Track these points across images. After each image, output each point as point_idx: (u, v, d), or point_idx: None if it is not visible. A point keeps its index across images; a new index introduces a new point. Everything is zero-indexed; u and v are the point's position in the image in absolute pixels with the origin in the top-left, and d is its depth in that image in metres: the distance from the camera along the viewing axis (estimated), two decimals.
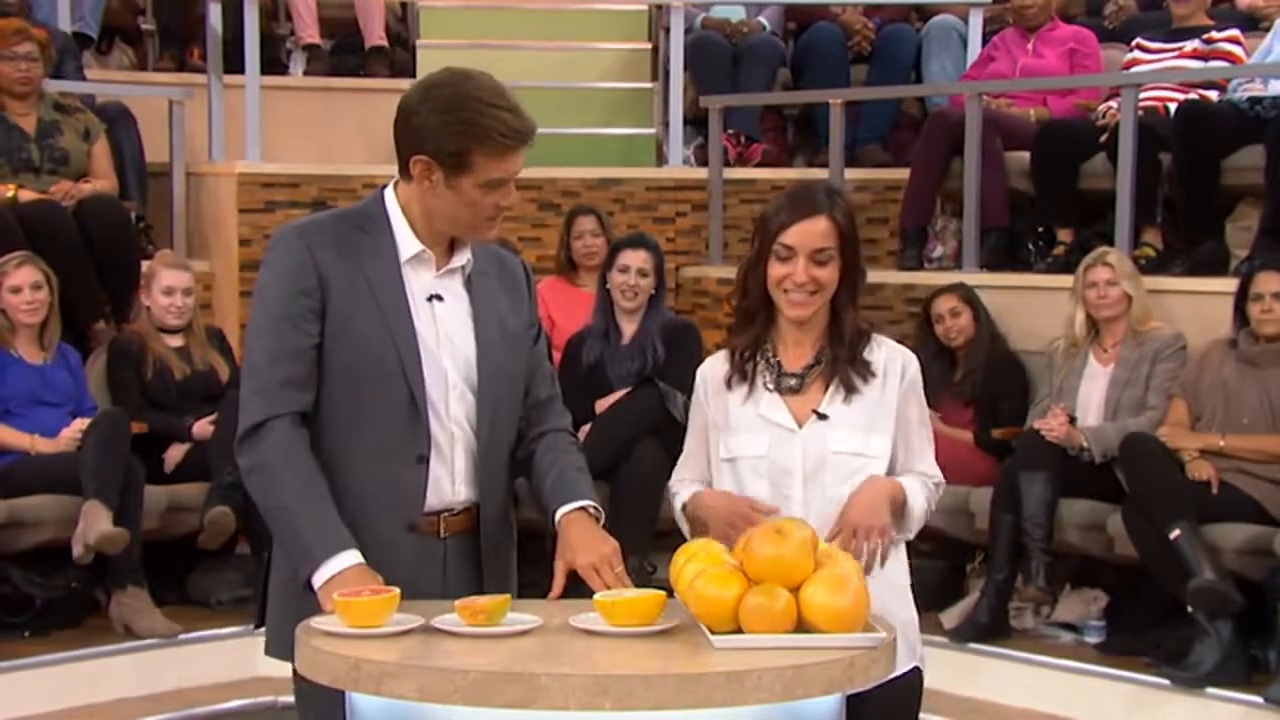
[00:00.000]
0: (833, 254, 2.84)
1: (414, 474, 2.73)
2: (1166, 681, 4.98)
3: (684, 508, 2.96)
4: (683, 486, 2.98)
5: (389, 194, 2.79)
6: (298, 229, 2.78)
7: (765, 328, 2.92)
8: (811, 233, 2.82)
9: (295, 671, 2.64)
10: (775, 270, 2.85)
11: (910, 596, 2.96)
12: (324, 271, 2.70)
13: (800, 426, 2.86)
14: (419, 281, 2.76)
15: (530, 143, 2.70)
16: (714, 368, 2.97)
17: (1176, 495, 5.01)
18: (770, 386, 2.89)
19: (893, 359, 2.92)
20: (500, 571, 2.84)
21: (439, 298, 2.77)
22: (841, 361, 2.87)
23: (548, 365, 2.99)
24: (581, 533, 2.76)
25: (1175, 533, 4.89)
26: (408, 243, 2.75)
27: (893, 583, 2.88)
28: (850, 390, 2.86)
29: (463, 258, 2.80)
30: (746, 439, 2.86)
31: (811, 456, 2.82)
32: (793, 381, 2.89)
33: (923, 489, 2.88)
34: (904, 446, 2.90)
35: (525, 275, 2.94)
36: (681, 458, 3.03)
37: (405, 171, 2.74)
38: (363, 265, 2.72)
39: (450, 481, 2.76)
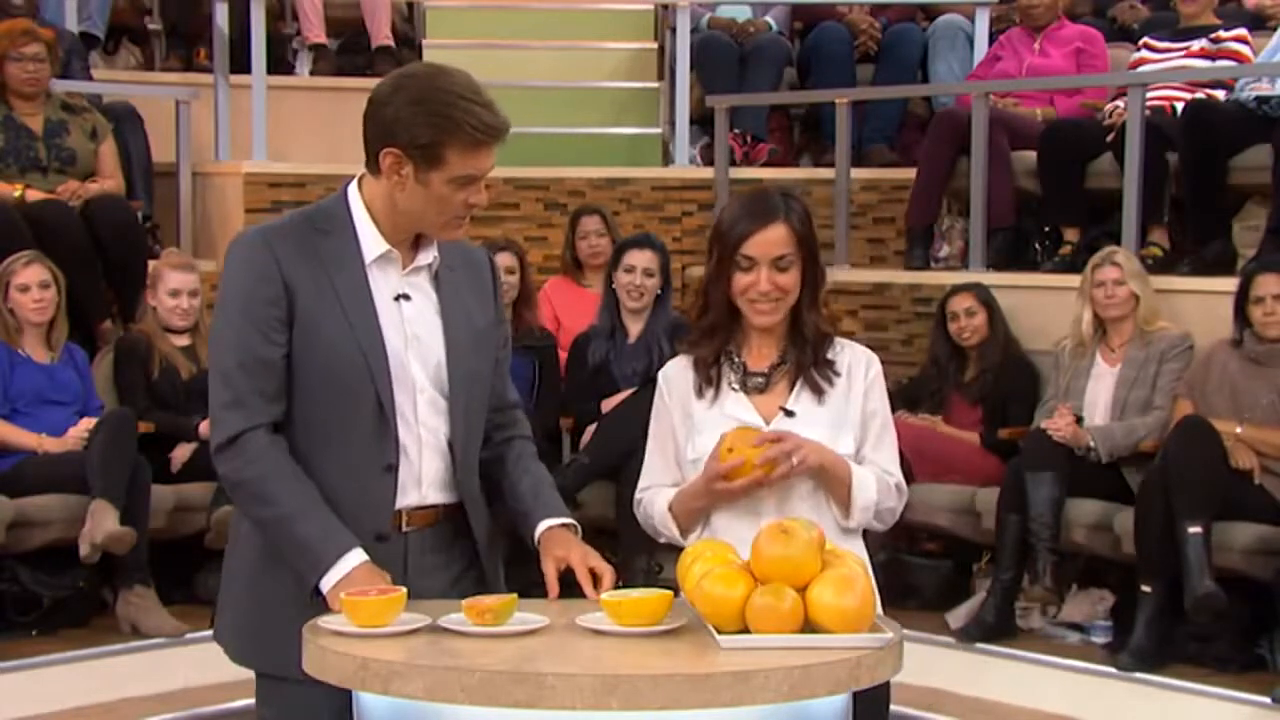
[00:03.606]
0: (792, 259, 2.84)
1: (382, 484, 2.66)
2: (1174, 681, 4.98)
3: (669, 509, 2.88)
4: (656, 494, 2.92)
5: (353, 191, 2.72)
6: (260, 234, 2.69)
7: (729, 335, 2.92)
8: (771, 241, 2.82)
9: (258, 672, 2.71)
10: (739, 281, 2.85)
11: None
12: (289, 278, 2.61)
13: (768, 424, 2.86)
14: (386, 282, 2.68)
15: (503, 140, 2.62)
16: (677, 372, 2.95)
17: (1211, 491, 4.97)
18: (735, 386, 2.90)
19: (856, 359, 2.92)
20: (472, 568, 2.77)
21: (406, 297, 2.69)
22: (806, 364, 2.88)
23: (507, 366, 2.93)
24: (568, 540, 2.74)
25: (1196, 529, 4.87)
26: (372, 243, 2.67)
27: None
28: (816, 391, 2.87)
29: (429, 255, 2.73)
30: (713, 438, 2.83)
31: None
32: (759, 380, 2.89)
33: (875, 481, 2.85)
34: (864, 442, 2.89)
35: (491, 269, 2.86)
36: (645, 467, 2.97)
37: (373, 165, 2.66)
38: (327, 269, 2.64)
39: (418, 487, 2.70)
